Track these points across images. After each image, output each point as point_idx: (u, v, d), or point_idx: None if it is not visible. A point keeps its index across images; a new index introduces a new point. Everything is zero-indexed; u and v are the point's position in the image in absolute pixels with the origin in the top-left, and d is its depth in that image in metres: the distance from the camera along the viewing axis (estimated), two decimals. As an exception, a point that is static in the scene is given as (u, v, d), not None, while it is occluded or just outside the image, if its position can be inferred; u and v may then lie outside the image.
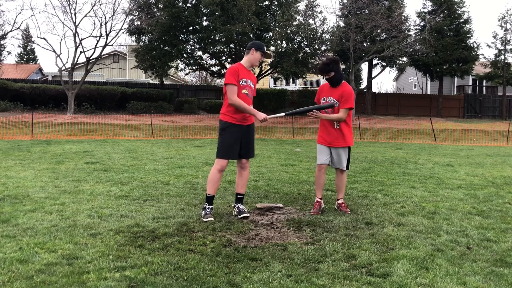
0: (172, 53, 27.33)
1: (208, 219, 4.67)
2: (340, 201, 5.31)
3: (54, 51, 25.46)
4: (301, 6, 28.78)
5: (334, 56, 5.69)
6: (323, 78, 5.41)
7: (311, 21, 28.14)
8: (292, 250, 3.78)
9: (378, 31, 27.84)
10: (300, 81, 43.96)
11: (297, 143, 15.51)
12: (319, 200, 5.21)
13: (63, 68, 25.97)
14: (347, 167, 5.32)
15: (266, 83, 43.16)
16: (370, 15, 26.96)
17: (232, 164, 7.61)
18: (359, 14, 28.04)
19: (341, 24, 29.49)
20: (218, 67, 30.60)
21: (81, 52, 26.05)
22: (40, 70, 45.07)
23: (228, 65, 28.81)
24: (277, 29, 27.42)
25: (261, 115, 4.77)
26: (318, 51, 28.41)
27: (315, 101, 5.41)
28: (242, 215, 4.78)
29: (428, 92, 41.92)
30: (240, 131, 4.88)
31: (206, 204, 4.85)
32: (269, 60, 27.51)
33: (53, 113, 24.63)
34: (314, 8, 28.37)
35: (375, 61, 33.02)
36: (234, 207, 4.99)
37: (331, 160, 5.28)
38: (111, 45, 28.41)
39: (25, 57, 56.17)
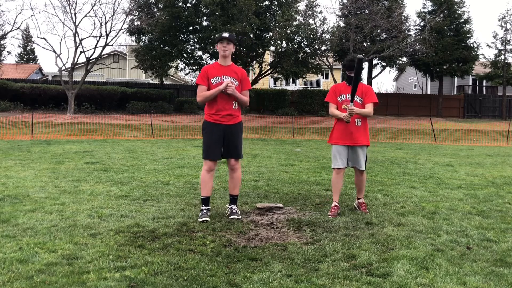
0: (172, 53, 27.32)
1: (203, 219, 4.62)
2: (361, 201, 5.22)
3: (54, 51, 25.47)
4: (301, 6, 28.82)
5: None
6: (346, 73, 5.28)
7: (311, 21, 28.19)
8: (292, 250, 3.77)
9: (378, 31, 27.84)
10: (300, 81, 43.93)
11: (297, 143, 15.51)
12: (337, 204, 5.08)
13: (63, 68, 25.96)
14: (364, 167, 5.20)
15: (266, 83, 43.13)
16: (370, 15, 26.95)
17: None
18: (359, 14, 28.03)
19: (341, 24, 29.50)
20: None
21: (81, 52, 26.05)
22: (40, 70, 45.05)
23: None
24: (277, 29, 27.42)
25: (223, 84, 4.67)
26: (318, 51, 28.41)
27: (327, 100, 5.21)
28: (232, 216, 4.75)
29: (428, 92, 41.92)
30: (221, 130, 4.79)
31: (202, 206, 4.83)
32: (269, 59, 27.41)
33: (53, 113, 24.61)
34: (314, 8, 28.40)
35: (375, 61, 33.01)
36: (227, 207, 4.98)
37: (348, 160, 5.13)
38: (111, 45, 28.39)
39: (25, 57, 56.16)
